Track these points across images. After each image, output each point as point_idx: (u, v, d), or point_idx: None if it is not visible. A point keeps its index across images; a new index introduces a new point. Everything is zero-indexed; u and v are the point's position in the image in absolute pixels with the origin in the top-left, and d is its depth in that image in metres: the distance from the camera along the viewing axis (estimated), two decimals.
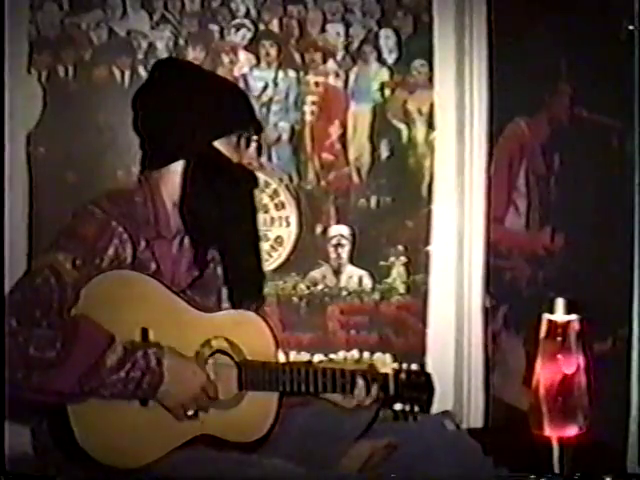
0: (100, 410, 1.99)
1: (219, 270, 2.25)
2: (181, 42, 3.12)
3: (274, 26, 3.16)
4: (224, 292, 2.25)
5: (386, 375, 2.26)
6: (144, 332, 2.05)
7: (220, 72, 3.13)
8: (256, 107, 3.05)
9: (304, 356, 3.10)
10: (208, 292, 2.23)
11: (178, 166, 2.18)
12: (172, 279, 2.15)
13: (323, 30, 3.18)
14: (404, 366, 2.29)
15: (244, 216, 2.23)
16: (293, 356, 3.14)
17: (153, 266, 2.13)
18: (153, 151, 2.22)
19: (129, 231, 2.09)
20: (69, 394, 1.95)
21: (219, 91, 2.23)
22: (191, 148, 2.17)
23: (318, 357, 3.20)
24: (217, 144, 2.18)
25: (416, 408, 2.24)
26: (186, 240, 2.19)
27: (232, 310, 2.23)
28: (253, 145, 2.22)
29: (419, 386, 2.27)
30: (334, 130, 3.19)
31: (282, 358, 2.35)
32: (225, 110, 2.19)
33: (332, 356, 3.21)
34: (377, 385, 2.24)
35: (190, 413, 2.08)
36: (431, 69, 3.19)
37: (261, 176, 3.07)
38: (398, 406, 2.25)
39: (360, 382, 2.22)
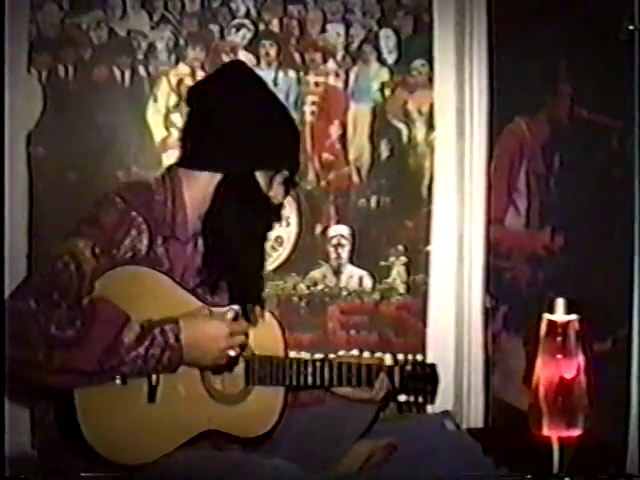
0: (107, 405, 2.00)
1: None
2: (181, 42, 3.12)
3: (274, 26, 3.16)
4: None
5: (392, 367, 2.26)
6: None
7: None
8: None
9: (304, 356, 3.10)
10: (215, 291, 2.23)
11: (213, 177, 2.17)
12: (182, 280, 2.16)
13: (323, 30, 3.18)
14: (409, 357, 2.29)
15: (258, 241, 2.24)
16: (293, 356, 3.13)
17: (166, 263, 2.13)
18: (195, 150, 2.21)
19: (148, 222, 2.10)
20: (90, 373, 1.96)
21: (279, 124, 2.22)
22: (234, 167, 2.17)
23: (318, 357, 3.20)
24: (258, 175, 2.18)
25: (420, 399, 2.25)
26: (199, 243, 2.20)
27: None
28: (285, 184, 2.22)
29: (424, 377, 2.28)
30: (334, 130, 3.19)
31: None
32: (279, 147, 2.20)
33: (332, 356, 3.21)
34: (384, 377, 2.25)
35: (233, 354, 2.09)
36: (431, 69, 3.19)
37: None
38: (402, 397, 2.25)
39: (380, 383, 2.24)
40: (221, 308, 2.18)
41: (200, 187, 2.18)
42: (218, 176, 2.17)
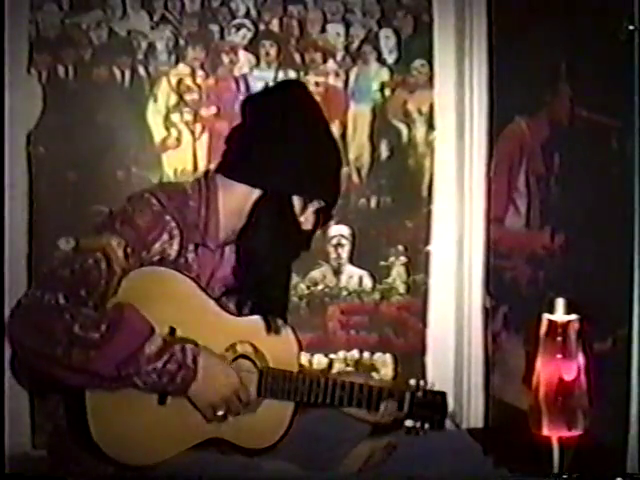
0: (118, 405, 2.00)
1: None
2: (181, 42, 3.13)
3: (274, 26, 3.17)
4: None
5: (403, 393, 2.26)
6: (172, 331, 2.06)
7: (220, 72, 3.14)
8: None
9: (304, 356, 3.10)
10: (241, 303, 2.23)
11: (251, 192, 2.15)
12: (207, 287, 2.16)
13: (323, 30, 3.18)
14: (421, 383, 2.29)
15: (286, 263, 2.23)
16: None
17: (194, 270, 2.13)
18: (236, 160, 2.19)
19: (180, 228, 2.10)
20: (105, 377, 1.96)
21: (325, 153, 2.20)
22: (274, 186, 2.15)
23: (318, 357, 3.20)
24: (295, 199, 2.15)
25: (427, 426, 2.25)
26: (227, 252, 2.20)
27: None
28: (317, 215, 2.19)
29: (434, 406, 2.27)
30: (334, 130, 3.18)
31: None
32: (321, 176, 2.17)
33: (332, 356, 3.21)
34: (394, 402, 2.25)
35: (220, 413, 2.08)
36: (431, 69, 3.20)
37: None
38: (409, 422, 2.25)
39: (385, 408, 2.23)
40: (244, 318, 2.19)
41: (236, 198, 2.16)
42: (256, 192, 2.15)
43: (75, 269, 1.98)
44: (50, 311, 1.93)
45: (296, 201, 2.16)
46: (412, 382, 2.29)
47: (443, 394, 2.30)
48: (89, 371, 1.95)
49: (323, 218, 2.23)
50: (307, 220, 2.19)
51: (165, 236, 2.08)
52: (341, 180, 2.27)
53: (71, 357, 1.92)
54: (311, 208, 2.18)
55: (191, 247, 2.12)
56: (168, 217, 2.09)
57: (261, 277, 2.18)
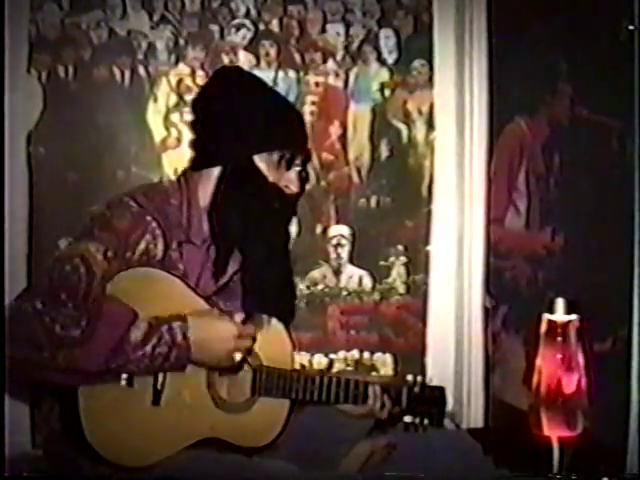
0: (110, 406, 2.00)
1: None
2: (181, 42, 3.13)
3: (274, 26, 3.16)
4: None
5: (400, 388, 2.26)
6: None
7: None
8: None
9: (304, 356, 3.10)
10: (232, 298, 2.22)
11: (215, 172, 2.17)
12: (197, 285, 2.15)
13: (323, 30, 3.18)
14: (418, 379, 2.28)
15: (268, 233, 2.19)
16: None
17: (181, 267, 2.13)
18: (199, 153, 2.23)
19: (162, 228, 2.10)
20: (96, 373, 1.95)
21: (271, 108, 2.22)
22: (229, 157, 2.16)
23: (318, 357, 3.20)
24: (257, 160, 2.16)
25: (426, 421, 2.24)
26: (212, 248, 2.19)
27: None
28: (295, 169, 2.19)
29: (432, 401, 2.27)
30: (334, 130, 3.18)
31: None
32: (271, 127, 2.18)
33: (332, 356, 3.21)
34: (390, 398, 2.24)
35: (239, 358, 2.07)
36: (431, 69, 3.19)
37: None
38: (408, 418, 2.25)
39: (373, 395, 2.23)
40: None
41: (209, 185, 2.18)
42: (218, 169, 2.17)
43: (53, 277, 1.99)
44: (29, 318, 1.93)
45: (263, 165, 2.16)
46: (409, 378, 2.29)
47: (441, 389, 2.29)
48: (78, 370, 1.94)
49: (301, 177, 2.22)
50: (289, 182, 2.18)
51: (148, 236, 2.08)
52: (305, 129, 2.27)
53: (57, 359, 1.92)
54: (283, 165, 2.16)
55: (176, 245, 2.13)
56: (149, 218, 2.09)
57: (242, 259, 2.17)
